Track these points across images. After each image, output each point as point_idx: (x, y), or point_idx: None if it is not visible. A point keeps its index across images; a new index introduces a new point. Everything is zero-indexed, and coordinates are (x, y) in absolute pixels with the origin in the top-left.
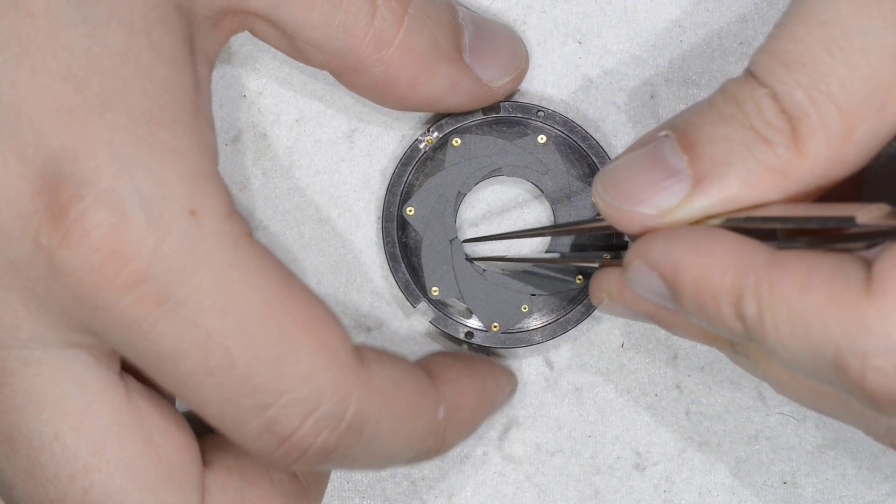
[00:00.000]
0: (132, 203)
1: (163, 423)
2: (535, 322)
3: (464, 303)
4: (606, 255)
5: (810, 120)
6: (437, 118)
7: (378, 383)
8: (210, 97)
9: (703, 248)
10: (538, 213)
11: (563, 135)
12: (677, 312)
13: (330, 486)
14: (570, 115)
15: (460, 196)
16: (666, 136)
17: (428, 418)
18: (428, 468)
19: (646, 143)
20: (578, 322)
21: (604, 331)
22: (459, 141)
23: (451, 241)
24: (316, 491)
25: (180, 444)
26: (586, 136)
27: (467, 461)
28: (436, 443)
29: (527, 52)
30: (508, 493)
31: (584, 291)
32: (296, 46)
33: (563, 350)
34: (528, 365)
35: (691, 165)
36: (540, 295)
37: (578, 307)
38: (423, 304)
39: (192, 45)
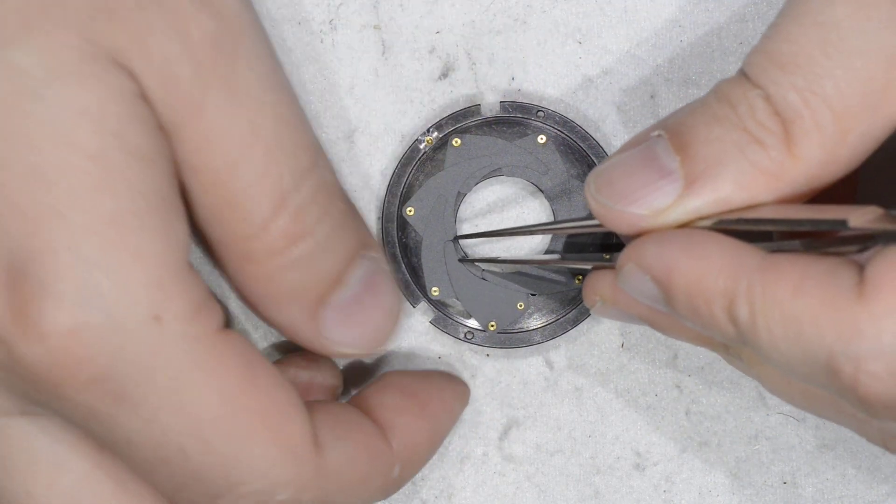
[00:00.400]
0: (93, 307)
1: None
2: (534, 322)
3: (456, 301)
4: (606, 256)
5: (804, 122)
6: (438, 118)
7: (334, 467)
8: None
9: (696, 252)
10: (538, 213)
11: (562, 135)
12: (670, 315)
13: None
14: (570, 115)
15: (460, 196)
16: (659, 136)
17: (382, 481)
18: (428, 468)
19: (639, 143)
20: (578, 322)
21: (603, 331)
22: (459, 141)
23: (446, 241)
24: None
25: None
26: (586, 136)
27: (467, 461)
28: (389, 492)
29: (393, 333)
30: (508, 493)
31: (580, 293)
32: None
33: (563, 350)
34: (528, 365)
35: (684, 166)
36: (539, 295)
37: (578, 307)
38: (423, 305)
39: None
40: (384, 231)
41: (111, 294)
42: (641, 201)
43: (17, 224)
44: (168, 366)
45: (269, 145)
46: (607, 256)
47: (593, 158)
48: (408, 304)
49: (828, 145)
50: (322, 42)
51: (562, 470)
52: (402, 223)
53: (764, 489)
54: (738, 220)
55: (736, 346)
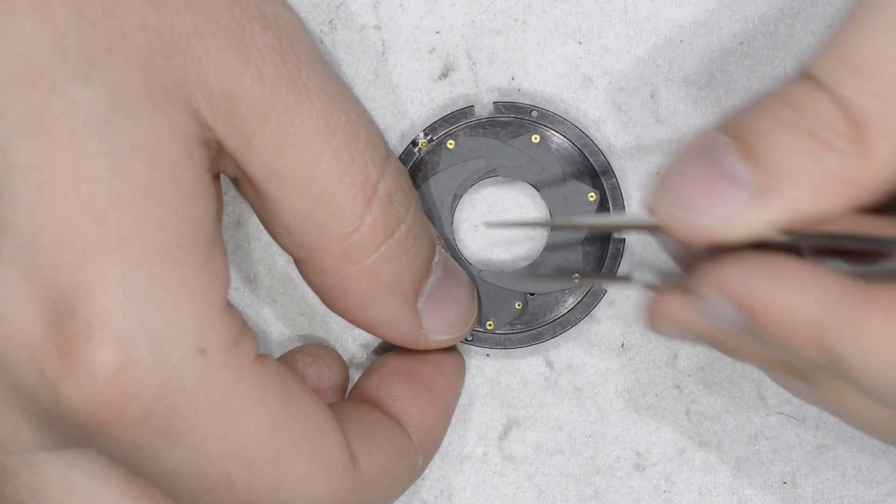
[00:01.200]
0: (141, 343)
1: None
2: (534, 321)
3: None
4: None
5: (878, 125)
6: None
7: (368, 475)
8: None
9: (783, 280)
10: (535, 213)
11: (557, 133)
12: (746, 339)
13: None
14: (570, 116)
15: (456, 198)
16: (726, 142)
17: (410, 475)
18: (428, 468)
19: (701, 149)
20: (577, 322)
21: (603, 331)
22: (454, 143)
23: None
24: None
25: None
26: (580, 134)
27: (467, 461)
28: (414, 481)
29: (476, 314)
30: (508, 493)
31: (581, 289)
32: (268, 219)
33: (563, 350)
34: (528, 365)
35: (754, 174)
36: (537, 293)
37: (578, 306)
38: None
39: (213, 174)
40: None
41: (159, 329)
42: (711, 212)
43: (65, 258)
44: (213, 396)
45: (347, 137)
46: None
47: (588, 156)
48: None
49: None
50: (322, 42)
51: (562, 470)
52: None
53: (764, 489)
54: (821, 235)
55: (819, 374)
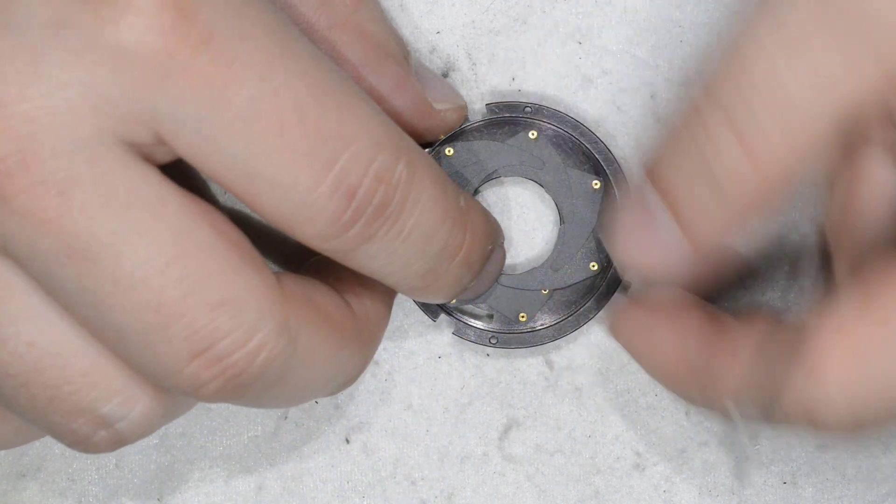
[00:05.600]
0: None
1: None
2: (535, 323)
3: (481, 307)
4: None
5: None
6: None
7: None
8: None
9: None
10: (543, 209)
11: (553, 127)
12: None
13: (330, 486)
14: (570, 116)
15: None
16: (653, 193)
17: (456, 207)
18: (428, 468)
19: (637, 202)
20: (578, 327)
21: (603, 331)
22: (452, 150)
23: None
24: (370, 331)
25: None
26: (576, 125)
27: (467, 461)
28: (461, 234)
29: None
30: (508, 493)
31: (598, 279)
32: None
33: (563, 350)
34: (528, 365)
35: (674, 221)
36: (558, 289)
37: (581, 309)
38: (442, 317)
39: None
40: None
41: None
42: (648, 260)
43: None
44: None
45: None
46: None
47: (587, 146)
48: (427, 319)
49: (789, 150)
50: None
51: (562, 470)
52: None
53: (764, 489)
54: None
55: None
